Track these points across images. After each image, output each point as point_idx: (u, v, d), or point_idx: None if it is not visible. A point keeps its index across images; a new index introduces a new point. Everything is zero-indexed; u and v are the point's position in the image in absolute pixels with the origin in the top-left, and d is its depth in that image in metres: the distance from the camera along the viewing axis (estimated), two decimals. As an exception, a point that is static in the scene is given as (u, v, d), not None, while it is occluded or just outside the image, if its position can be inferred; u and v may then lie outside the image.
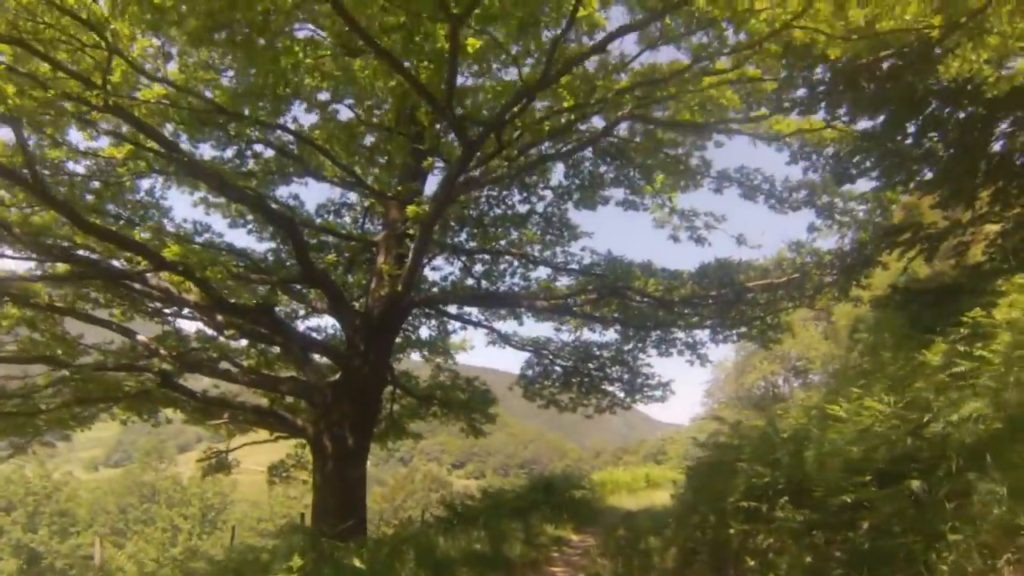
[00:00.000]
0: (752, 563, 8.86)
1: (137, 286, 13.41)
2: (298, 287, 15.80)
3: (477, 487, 58.65)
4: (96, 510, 66.76)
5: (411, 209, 11.83)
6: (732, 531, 9.90)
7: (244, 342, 18.35)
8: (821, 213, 13.96)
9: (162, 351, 14.27)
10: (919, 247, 17.63)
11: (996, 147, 12.20)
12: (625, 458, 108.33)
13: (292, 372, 16.65)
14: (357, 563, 8.36)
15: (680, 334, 18.31)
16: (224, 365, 15.71)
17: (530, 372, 20.64)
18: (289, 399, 16.88)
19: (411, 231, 13.89)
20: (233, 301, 11.32)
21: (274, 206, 13.81)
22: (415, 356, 22.50)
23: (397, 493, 74.39)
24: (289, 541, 11.55)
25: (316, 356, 15.37)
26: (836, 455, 8.26)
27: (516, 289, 17.11)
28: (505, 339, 18.89)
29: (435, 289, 17.56)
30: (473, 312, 18.62)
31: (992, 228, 17.28)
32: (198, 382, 17.59)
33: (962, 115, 11.67)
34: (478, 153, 11.19)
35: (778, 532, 8.65)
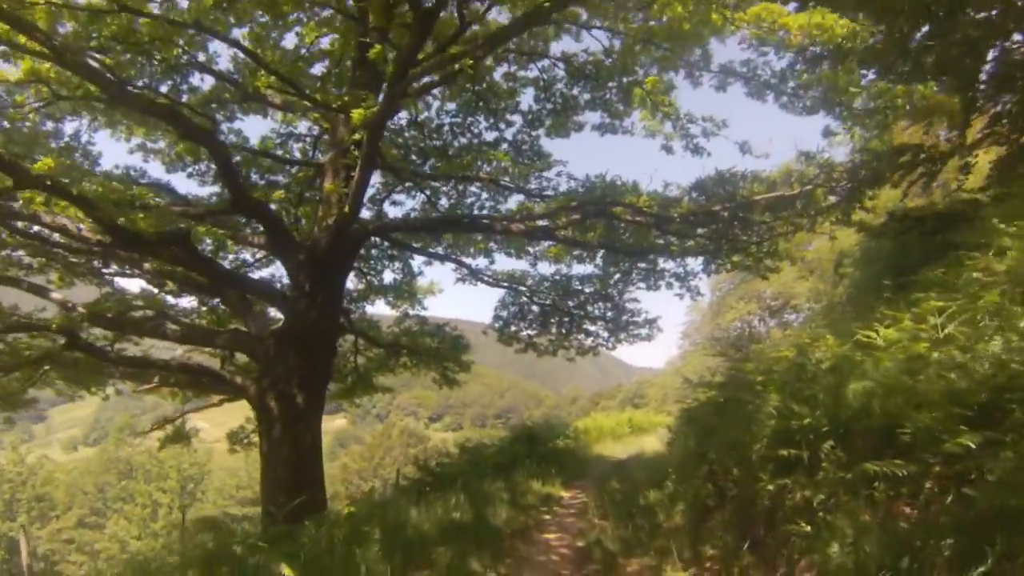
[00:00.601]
0: (798, 525, 6.91)
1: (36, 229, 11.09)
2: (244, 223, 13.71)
3: (455, 440, 57.60)
4: (74, 491, 65.87)
5: (357, 113, 9.52)
6: (766, 486, 7.97)
7: (196, 301, 16.78)
8: (839, 114, 11.81)
9: (81, 309, 12.02)
10: (920, 170, 16.07)
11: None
12: (602, 403, 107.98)
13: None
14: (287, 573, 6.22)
15: (669, 264, 16.43)
16: (166, 324, 13.45)
17: (505, 313, 18.49)
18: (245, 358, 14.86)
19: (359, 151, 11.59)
20: (134, 231, 8.99)
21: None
22: (381, 305, 20.56)
23: (375, 451, 72.84)
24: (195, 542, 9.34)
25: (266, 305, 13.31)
26: (899, 391, 6.29)
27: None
28: (475, 275, 16.67)
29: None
30: (439, 249, 16.43)
31: (988, 156, 15.97)
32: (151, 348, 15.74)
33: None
34: (433, 33, 8.95)
35: (827, 485, 6.70)
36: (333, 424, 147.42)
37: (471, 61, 9.95)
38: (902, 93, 10.76)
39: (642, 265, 16.30)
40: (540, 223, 12.98)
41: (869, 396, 6.80)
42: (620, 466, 19.44)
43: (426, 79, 10.34)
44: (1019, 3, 14.19)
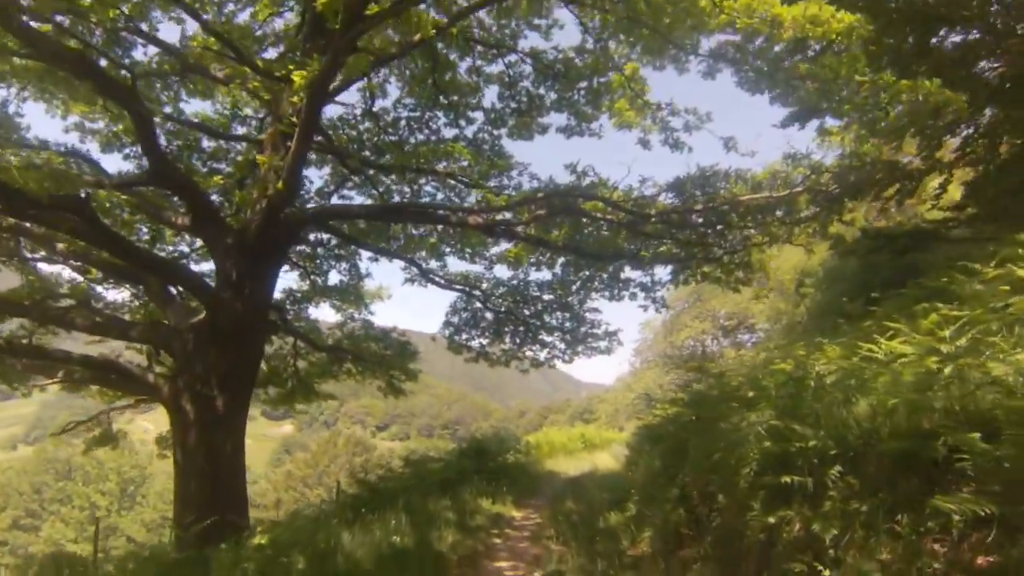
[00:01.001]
0: (803, 563, 5.80)
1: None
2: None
3: (402, 450, 55.85)
4: (9, 492, 63.38)
5: (298, 75, 8.06)
6: (762, 517, 6.82)
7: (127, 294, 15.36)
8: (835, 107, 10.71)
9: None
10: (895, 187, 15.46)
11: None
12: (551, 417, 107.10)
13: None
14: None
15: (635, 274, 15.30)
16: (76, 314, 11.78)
17: (456, 319, 17.06)
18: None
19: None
20: (19, 189, 7.33)
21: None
22: (327, 310, 19.12)
23: (320, 458, 70.56)
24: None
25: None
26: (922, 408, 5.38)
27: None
28: (426, 275, 15.19)
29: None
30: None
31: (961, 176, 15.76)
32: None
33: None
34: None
35: (837, 517, 5.60)
36: (280, 430, 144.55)
37: (432, 29, 8.68)
38: (906, 88, 9.71)
39: (605, 274, 15.13)
40: (502, 216, 11.67)
41: (888, 414, 5.66)
42: (574, 483, 18.16)
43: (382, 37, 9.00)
44: (997, 25, 13.64)
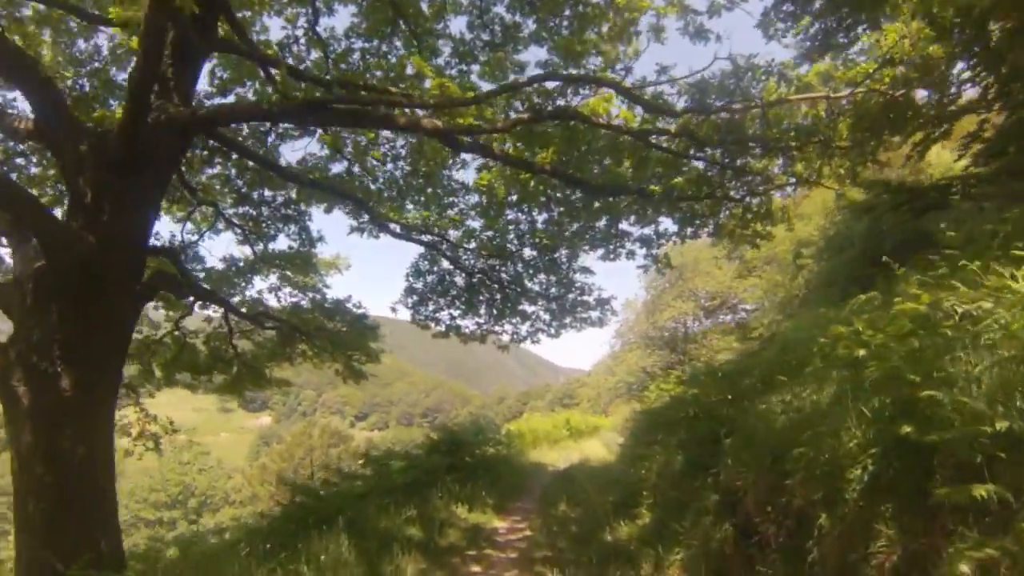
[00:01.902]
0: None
1: None
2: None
3: (380, 439, 52.90)
4: None
5: None
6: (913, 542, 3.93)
7: None
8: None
9: None
10: (928, 132, 12.86)
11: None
12: (531, 403, 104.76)
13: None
14: None
15: (631, 228, 12.46)
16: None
17: (420, 285, 13.89)
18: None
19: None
20: None
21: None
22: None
23: (295, 450, 67.32)
24: None
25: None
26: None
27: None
28: (379, 223, 11.93)
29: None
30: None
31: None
32: None
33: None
34: None
35: None
36: (258, 422, 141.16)
37: None
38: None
39: (600, 222, 12.21)
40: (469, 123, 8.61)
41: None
42: (565, 479, 15.29)
43: None
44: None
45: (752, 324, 40.63)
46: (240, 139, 11.70)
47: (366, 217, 11.61)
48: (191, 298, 12.60)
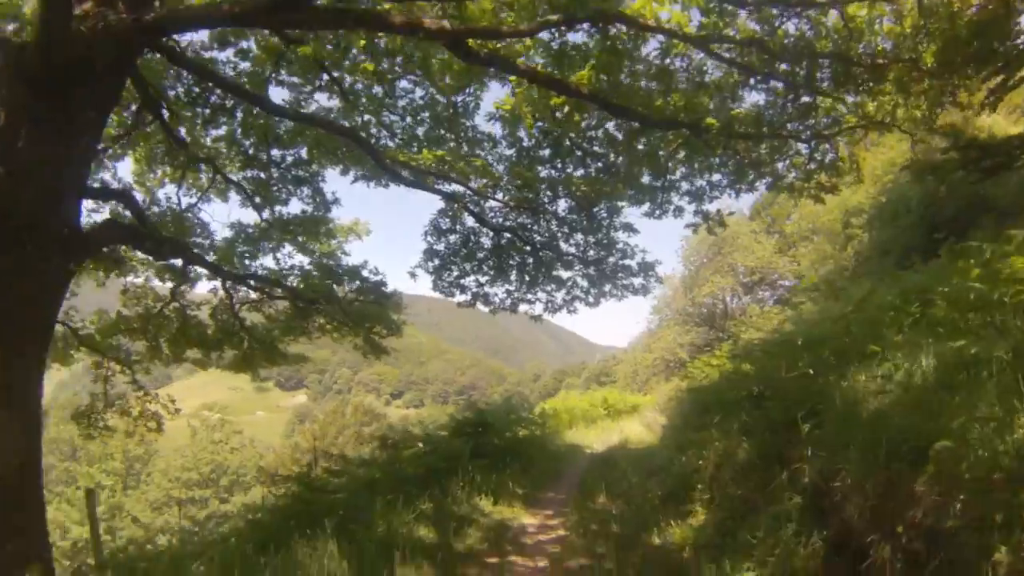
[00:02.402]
0: None
1: None
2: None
3: (416, 416, 52.09)
4: None
5: None
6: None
7: None
8: None
9: None
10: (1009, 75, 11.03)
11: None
12: (567, 381, 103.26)
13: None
14: None
15: (681, 179, 10.79)
16: None
17: (441, 246, 12.15)
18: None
19: None
20: None
21: None
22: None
23: (327, 429, 66.63)
24: None
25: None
26: None
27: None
28: (388, 169, 9.96)
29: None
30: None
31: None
32: None
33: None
34: None
35: None
36: (294, 401, 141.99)
37: None
38: None
39: (645, 169, 10.50)
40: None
41: None
42: (604, 464, 13.73)
43: None
44: None
45: (800, 298, 38.70)
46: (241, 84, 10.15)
47: (370, 157, 9.93)
48: (177, 261, 11.19)
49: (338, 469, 11.31)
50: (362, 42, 8.51)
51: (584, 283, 12.88)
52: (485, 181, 10.00)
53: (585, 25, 7.18)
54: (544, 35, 7.46)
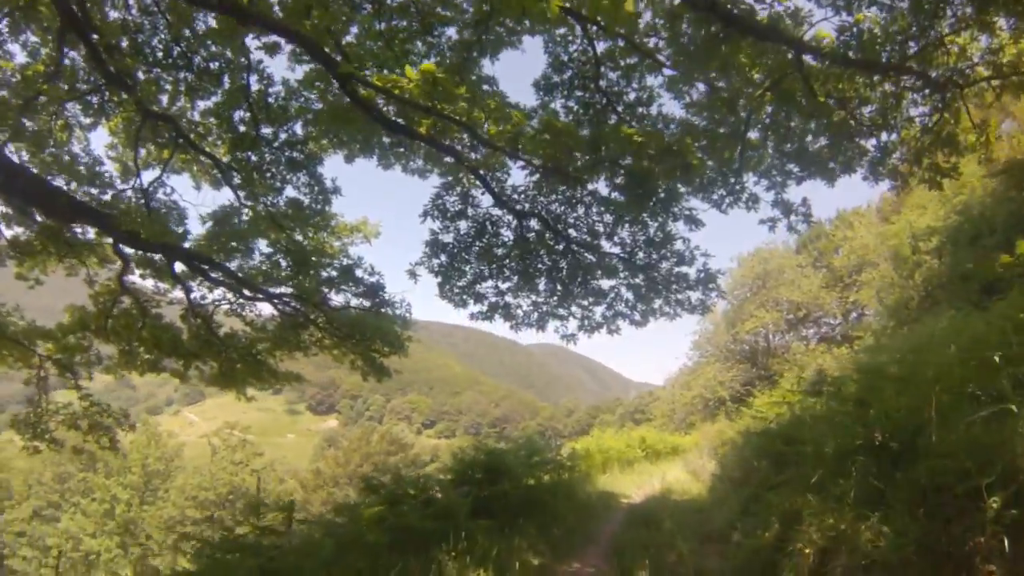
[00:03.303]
0: None
1: None
2: None
3: (447, 447, 49.39)
4: (32, 481, 59.87)
5: None
6: None
7: None
8: None
9: None
10: None
11: None
12: (600, 417, 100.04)
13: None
14: None
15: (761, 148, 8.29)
16: None
17: (449, 235, 9.27)
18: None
19: None
20: None
21: None
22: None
23: (351, 455, 64.18)
24: None
25: None
26: None
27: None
28: (348, 82, 7.19)
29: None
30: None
31: None
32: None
33: None
34: None
35: None
36: (324, 425, 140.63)
37: None
38: None
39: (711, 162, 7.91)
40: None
41: None
42: (643, 522, 10.72)
43: None
44: None
45: (857, 332, 35.34)
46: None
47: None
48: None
49: (301, 519, 8.55)
50: None
51: (629, 295, 10.12)
52: (501, 127, 7.13)
53: None
54: None
